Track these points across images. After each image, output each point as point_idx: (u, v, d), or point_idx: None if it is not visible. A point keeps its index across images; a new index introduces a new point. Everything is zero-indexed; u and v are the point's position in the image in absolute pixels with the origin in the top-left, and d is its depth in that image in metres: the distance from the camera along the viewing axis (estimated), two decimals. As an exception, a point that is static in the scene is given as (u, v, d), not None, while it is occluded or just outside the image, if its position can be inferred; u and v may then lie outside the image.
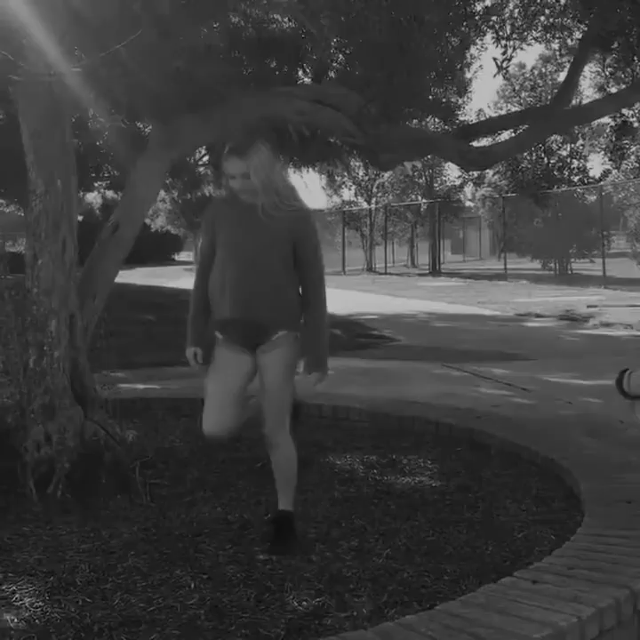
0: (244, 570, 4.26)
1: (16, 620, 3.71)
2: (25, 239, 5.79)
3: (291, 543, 4.50)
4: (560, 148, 33.72)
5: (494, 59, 7.21)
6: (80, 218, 6.70)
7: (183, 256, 61.50)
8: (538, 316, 17.47)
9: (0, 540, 4.72)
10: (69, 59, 4.92)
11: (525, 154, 29.40)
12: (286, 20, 8.54)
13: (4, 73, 5.20)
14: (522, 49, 7.54)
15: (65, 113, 5.74)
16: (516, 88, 32.74)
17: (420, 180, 39.36)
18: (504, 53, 7.21)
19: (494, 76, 7.36)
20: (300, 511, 4.87)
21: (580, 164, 34.71)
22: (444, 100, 8.70)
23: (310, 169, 12.58)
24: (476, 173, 24.72)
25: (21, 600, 3.92)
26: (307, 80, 8.95)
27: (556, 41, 8.41)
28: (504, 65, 7.23)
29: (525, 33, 7.38)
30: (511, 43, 7.27)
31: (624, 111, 10.51)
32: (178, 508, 5.09)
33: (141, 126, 11.51)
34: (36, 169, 5.58)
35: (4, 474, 5.32)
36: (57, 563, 4.34)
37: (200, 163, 16.53)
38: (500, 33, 7.26)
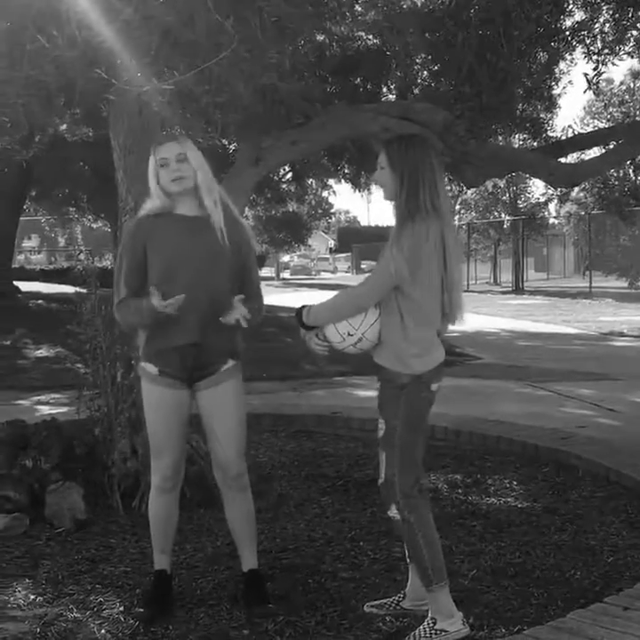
0: (328, 587, 4.24)
1: (103, 632, 3.75)
2: (113, 254, 5.86)
3: (270, 602, 4.01)
4: (648, 164, 33.14)
5: (585, 74, 7.10)
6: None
7: (265, 272, 62.08)
8: (624, 335, 17.11)
9: (87, 551, 4.80)
10: (161, 76, 4.97)
11: (613, 170, 28.85)
12: (371, 37, 8.55)
13: (96, 91, 5.29)
14: (614, 64, 7.40)
15: (155, 130, 5.82)
16: (605, 103, 32.20)
17: (504, 197, 39.01)
18: (595, 69, 7.10)
19: (585, 91, 7.24)
20: (383, 529, 4.83)
21: (670, 181, 34.04)
22: (532, 116, 8.59)
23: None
24: (561, 190, 24.37)
25: (108, 611, 3.97)
26: (391, 97, 8.94)
27: (648, 56, 8.25)
28: (594, 80, 7.12)
29: (617, 47, 7.26)
30: (602, 58, 7.14)
31: None
32: (261, 524, 5.02)
33: (226, 143, 11.64)
34: (126, 185, 5.66)
35: (92, 486, 5.40)
36: (143, 576, 4.38)
37: (284, 180, 16.65)
38: (591, 48, 7.15)
